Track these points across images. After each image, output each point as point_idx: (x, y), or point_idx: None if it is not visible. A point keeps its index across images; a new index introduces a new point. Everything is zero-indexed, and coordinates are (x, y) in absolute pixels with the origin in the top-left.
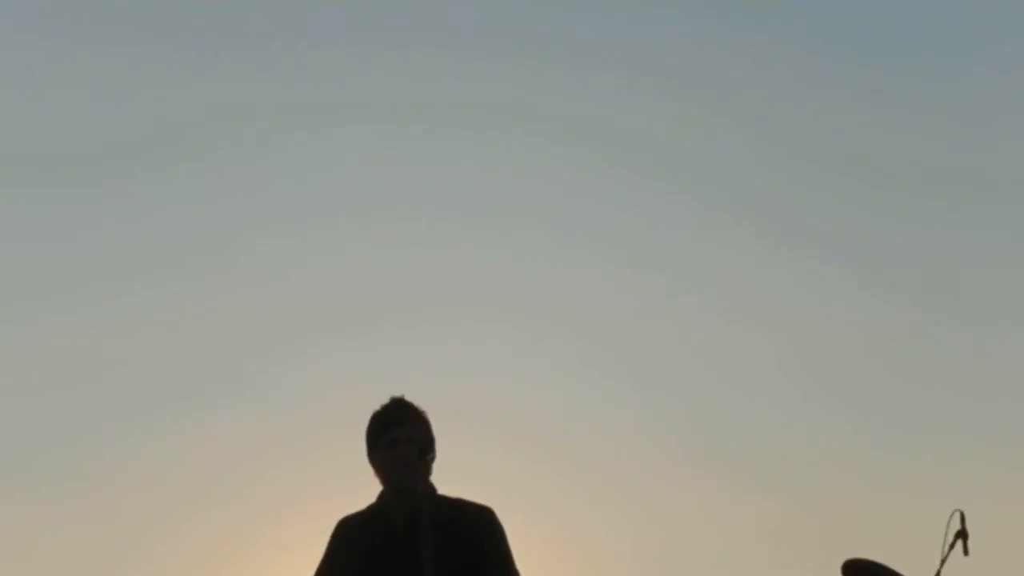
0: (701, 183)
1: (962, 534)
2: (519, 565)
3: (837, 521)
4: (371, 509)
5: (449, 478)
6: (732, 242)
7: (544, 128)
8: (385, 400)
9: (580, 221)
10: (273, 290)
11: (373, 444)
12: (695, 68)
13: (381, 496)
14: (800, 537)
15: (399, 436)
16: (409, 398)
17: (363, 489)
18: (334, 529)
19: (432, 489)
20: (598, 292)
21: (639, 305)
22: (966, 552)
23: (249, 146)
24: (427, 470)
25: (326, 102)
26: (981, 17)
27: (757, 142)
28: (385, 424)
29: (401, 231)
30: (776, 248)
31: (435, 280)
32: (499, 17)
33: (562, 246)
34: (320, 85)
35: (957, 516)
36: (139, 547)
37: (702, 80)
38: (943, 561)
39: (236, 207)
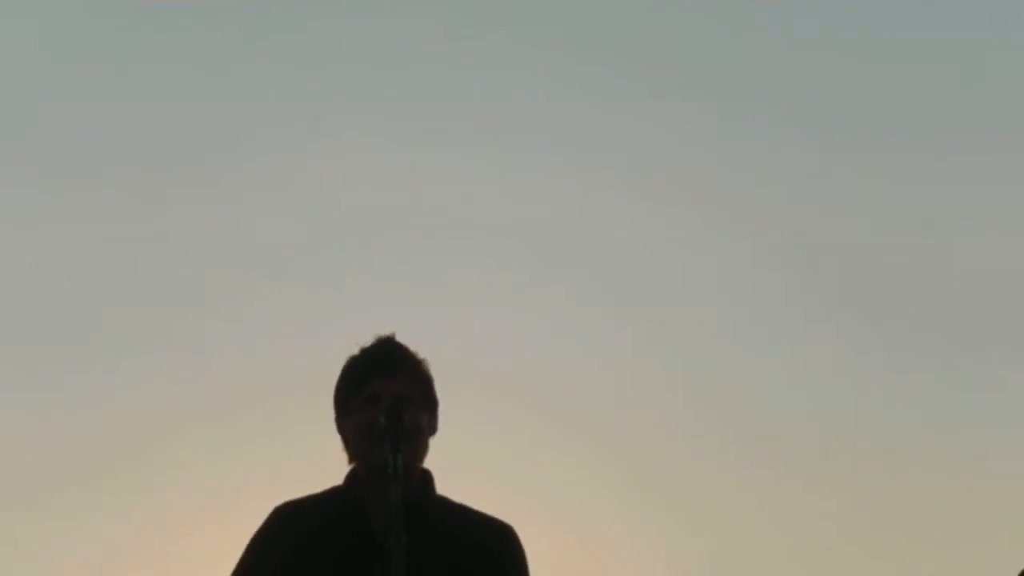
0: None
1: None
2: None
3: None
4: (331, 497)
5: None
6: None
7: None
8: (365, 342)
9: (592, 147)
10: (203, 219)
11: (345, 402)
12: None
13: (350, 479)
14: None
15: (384, 390)
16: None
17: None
18: (268, 520)
19: (428, 481)
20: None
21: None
22: None
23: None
24: (423, 447)
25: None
26: None
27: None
28: (365, 372)
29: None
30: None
31: (421, 207)
32: None
33: (575, 173)
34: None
35: None
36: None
37: None
38: None
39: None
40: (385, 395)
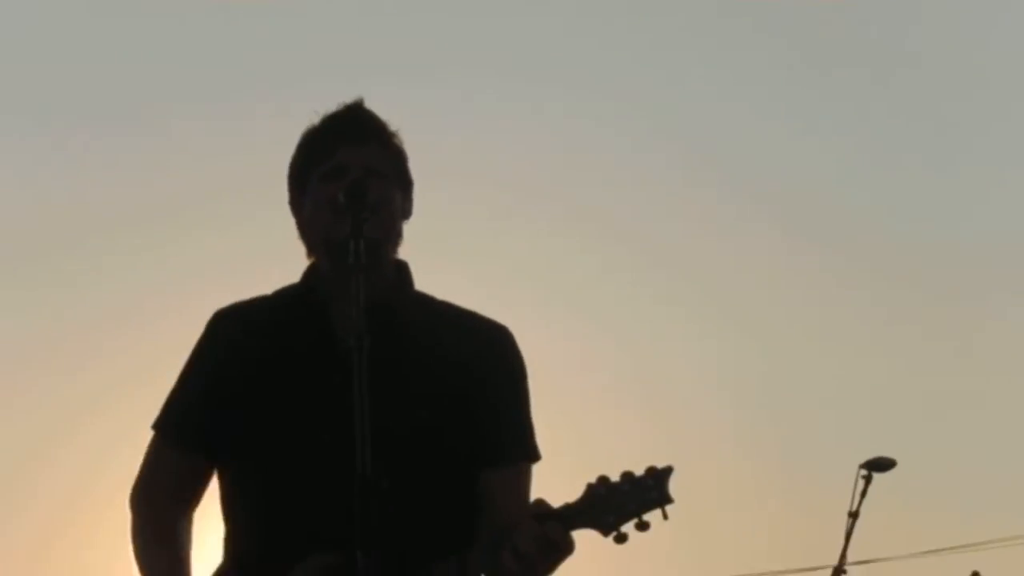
0: None
1: None
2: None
3: None
4: (284, 297)
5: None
6: None
7: None
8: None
9: None
10: None
11: (302, 177)
12: None
13: (308, 275)
14: None
15: (352, 160)
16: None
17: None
18: (208, 326)
19: (403, 275)
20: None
21: None
22: None
23: None
24: (394, 230)
25: None
26: None
27: None
28: (329, 140)
29: None
30: None
31: None
32: None
33: None
34: None
35: None
36: None
37: None
38: None
39: None
40: (352, 165)
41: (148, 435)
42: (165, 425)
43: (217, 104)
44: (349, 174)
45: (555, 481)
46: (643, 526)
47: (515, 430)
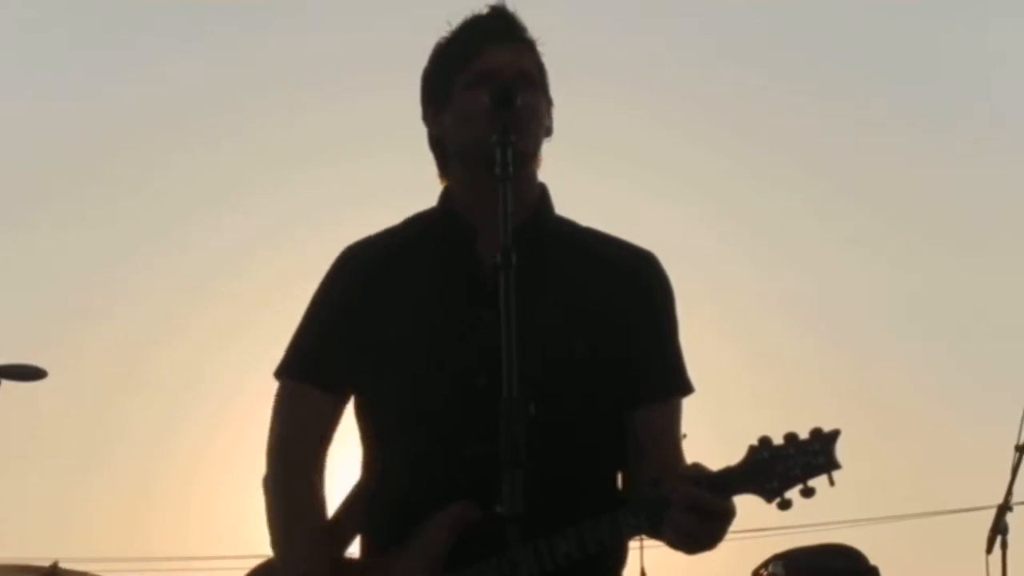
0: None
1: None
2: None
3: None
4: (418, 223)
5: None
6: None
7: None
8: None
9: None
10: None
11: (441, 85)
12: None
13: (444, 199)
14: None
15: (500, 62)
16: None
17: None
18: (338, 264)
19: (545, 197)
20: None
21: None
22: None
23: None
24: (539, 143)
25: None
26: None
27: None
28: (473, 40)
29: None
30: None
31: None
32: None
33: None
34: None
35: None
36: None
37: None
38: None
39: None
40: (502, 68)
41: None
42: (300, 365)
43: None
44: (498, 79)
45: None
46: (808, 492)
47: (667, 362)
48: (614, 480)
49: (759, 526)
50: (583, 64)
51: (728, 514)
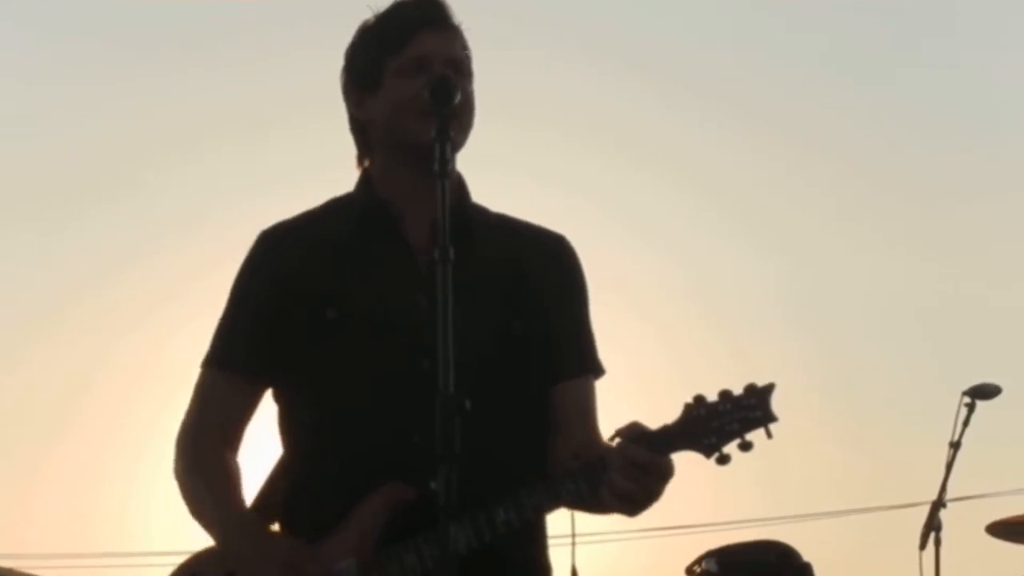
0: None
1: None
2: None
3: None
4: (341, 207)
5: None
6: None
7: None
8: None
9: None
10: None
11: (371, 68)
12: None
13: (364, 183)
14: None
15: (435, 49)
16: None
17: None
18: (256, 249)
19: (463, 185)
20: None
21: None
22: None
23: None
24: (461, 139)
25: None
26: None
27: None
28: (406, 24)
29: None
30: None
31: None
32: None
33: None
34: None
35: None
36: None
37: None
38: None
39: None
40: (435, 57)
41: None
42: (222, 354)
43: None
44: (432, 67)
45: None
46: (746, 446)
47: (585, 341)
48: (544, 456)
49: (692, 523)
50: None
51: (667, 471)
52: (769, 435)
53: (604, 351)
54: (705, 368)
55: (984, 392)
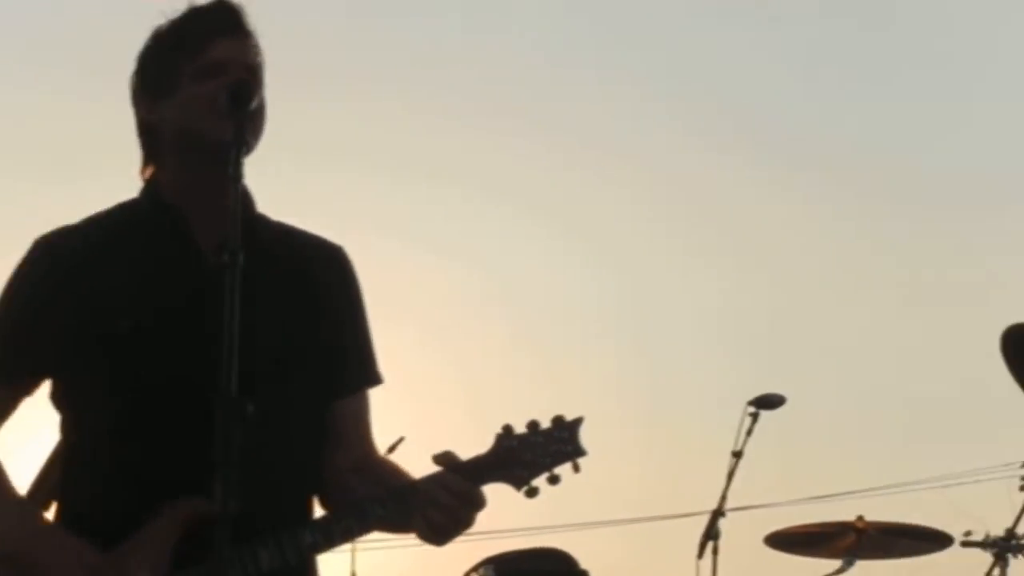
0: None
1: None
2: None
3: None
4: (125, 212)
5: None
6: None
7: None
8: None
9: None
10: None
11: (167, 73)
12: None
13: (149, 191)
14: None
15: (231, 56)
16: None
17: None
18: (33, 256)
19: (247, 193)
20: None
21: None
22: None
23: None
24: (254, 145)
25: None
26: None
27: None
28: (202, 30)
29: None
30: None
31: None
32: None
33: None
34: None
35: None
36: None
37: None
38: None
39: None
40: (232, 62)
41: None
42: None
43: None
44: (229, 72)
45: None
46: (554, 480)
47: (365, 354)
48: (321, 466)
49: (470, 529)
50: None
51: (481, 501)
52: (576, 469)
53: (387, 365)
54: (489, 379)
55: (768, 402)
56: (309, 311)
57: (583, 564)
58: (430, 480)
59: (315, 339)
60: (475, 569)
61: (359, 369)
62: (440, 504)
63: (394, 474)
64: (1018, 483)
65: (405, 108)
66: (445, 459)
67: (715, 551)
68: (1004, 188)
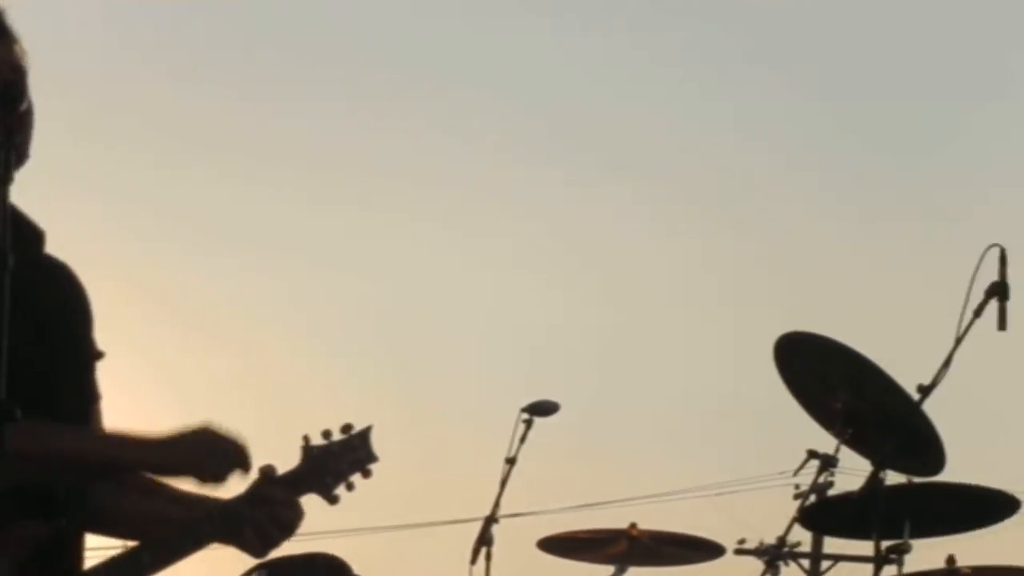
0: None
1: (999, 291)
2: None
3: None
4: None
5: None
6: None
7: None
8: None
9: None
10: None
11: None
12: None
13: None
14: None
15: None
16: None
17: None
18: None
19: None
20: None
21: None
22: (1003, 324)
23: None
24: (25, 151)
25: None
26: None
27: None
28: None
29: None
30: None
31: None
32: None
33: None
34: None
35: (995, 254)
36: None
37: None
38: (959, 340)
39: None
40: (0, 64)
41: None
42: None
43: None
44: None
45: None
46: (351, 486)
47: (92, 367)
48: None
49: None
50: None
51: (301, 512)
52: (367, 475)
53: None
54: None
55: (542, 409)
56: (69, 320)
57: (356, 570)
58: (259, 491)
59: (72, 349)
60: (247, 574)
61: (96, 381)
62: (270, 515)
63: (173, 490)
64: (792, 491)
65: None
66: (267, 471)
67: (488, 557)
68: None
